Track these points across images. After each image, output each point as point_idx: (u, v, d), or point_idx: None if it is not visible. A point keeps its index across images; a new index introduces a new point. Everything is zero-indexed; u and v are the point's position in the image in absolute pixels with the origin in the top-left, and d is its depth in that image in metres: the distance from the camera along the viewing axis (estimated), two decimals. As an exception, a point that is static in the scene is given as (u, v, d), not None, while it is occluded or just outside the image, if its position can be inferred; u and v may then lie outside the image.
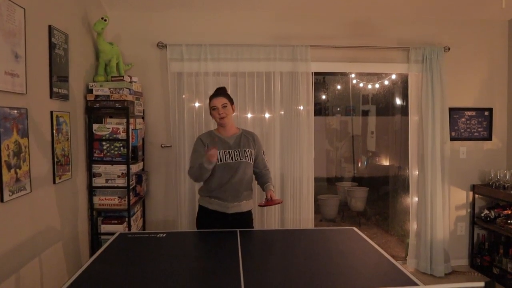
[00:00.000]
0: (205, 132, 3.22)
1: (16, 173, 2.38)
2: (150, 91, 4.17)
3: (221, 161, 2.95)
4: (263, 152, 3.17)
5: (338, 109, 8.14)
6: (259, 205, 2.99)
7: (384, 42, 4.41)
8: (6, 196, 2.27)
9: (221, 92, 3.05)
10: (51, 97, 2.85)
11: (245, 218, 3.04)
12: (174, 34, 4.16)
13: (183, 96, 4.13)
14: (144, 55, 4.14)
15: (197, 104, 4.17)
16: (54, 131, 2.88)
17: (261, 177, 3.15)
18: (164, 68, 4.15)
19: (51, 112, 2.86)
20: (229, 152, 2.97)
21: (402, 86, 5.64)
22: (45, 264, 2.78)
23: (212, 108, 2.99)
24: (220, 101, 2.97)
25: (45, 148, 2.79)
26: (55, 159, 2.90)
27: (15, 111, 2.39)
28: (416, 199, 4.56)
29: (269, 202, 2.92)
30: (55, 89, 2.90)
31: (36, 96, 2.65)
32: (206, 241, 2.85)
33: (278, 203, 2.94)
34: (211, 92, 4.09)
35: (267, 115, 4.27)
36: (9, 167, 2.31)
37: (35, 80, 2.64)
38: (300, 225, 4.27)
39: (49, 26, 2.85)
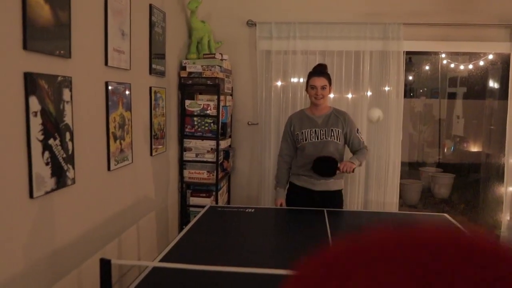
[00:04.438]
0: (296, 112, 3.23)
1: (120, 144, 2.54)
2: (238, 68, 4.23)
3: (306, 140, 2.95)
4: (357, 130, 3.07)
5: (421, 91, 7.79)
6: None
7: (484, 19, 4.10)
8: (112, 165, 2.44)
9: (323, 71, 3.00)
10: (150, 73, 2.99)
11: (333, 197, 3.02)
12: (263, 12, 4.16)
13: (271, 75, 4.15)
14: (234, 33, 4.20)
15: (284, 83, 4.17)
16: (152, 106, 3.03)
17: (356, 152, 3.05)
18: (252, 46, 4.18)
19: (150, 88, 3.00)
20: (315, 131, 2.95)
21: (501, 67, 5.25)
22: (142, 230, 2.96)
23: (311, 87, 2.96)
24: (321, 81, 2.93)
25: (144, 121, 2.95)
26: (153, 133, 3.06)
27: (121, 86, 2.53)
28: (511, 189, 4.28)
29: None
30: (154, 66, 3.03)
31: (137, 72, 2.79)
32: (294, 218, 2.89)
33: (345, 171, 2.86)
34: (299, 70, 4.16)
35: (355, 96, 4.17)
36: (115, 138, 2.47)
37: (137, 56, 2.78)
38: (384, 208, 4.19)
39: (150, 5, 2.97)
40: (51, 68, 1.88)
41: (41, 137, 1.81)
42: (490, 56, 4.91)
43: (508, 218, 4.29)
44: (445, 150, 7.63)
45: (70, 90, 2.01)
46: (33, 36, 1.74)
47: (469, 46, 4.28)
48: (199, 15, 3.89)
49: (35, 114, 1.77)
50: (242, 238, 2.41)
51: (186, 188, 3.78)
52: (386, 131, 4.13)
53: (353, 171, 2.89)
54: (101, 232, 2.38)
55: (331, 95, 4.08)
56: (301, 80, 4.15)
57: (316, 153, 2.94)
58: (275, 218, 2.96)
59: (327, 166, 2.87)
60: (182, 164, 3.69)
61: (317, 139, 2.94)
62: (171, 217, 3.61)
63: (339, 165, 2.86)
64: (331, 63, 4.13)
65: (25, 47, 1.70)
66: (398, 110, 4.17)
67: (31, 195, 1.75)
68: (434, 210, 6.46)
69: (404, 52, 4.12)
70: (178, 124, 3.65)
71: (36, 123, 1.77)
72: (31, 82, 1.73)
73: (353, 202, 4.21)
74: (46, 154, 1.84)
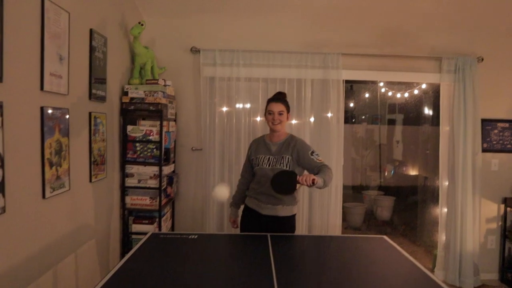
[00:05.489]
0: (258, 137, 3.25)
1: (57, 170, 2.46)
2: (182, 94, 4.24)
3: (258, 165, 3.00)
4: (312, 152, 2.94)
5: (363, 117, 8.10)
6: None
7: (416, 51, 4.38)
8: (47, 193, 2.35)
9: (280, 98, 3.06)
10: (90, 98, 2.95)
11: (282, 222, 3.01)
12: (207, 40, 4.23)
13: (215, 100, 4.19)
14: (178, 60, 4.22)
15: (228, 109, 4.22)
16: (92, 131, 2.97)
17: (318, 172, 2.86)
18: (196, 72, 4.22)
19: (90, 113, 2.95)
20: (268, 158, 2.99)
21: (433, 96, 5.59)
22: (80, 259, 2.86)
23: (268, 112, 3.01)
24: (277, 107, 2.98)
25: (83, 147, 2.88)
26: (92, 159, 2.99)
27: (58, 111, 2.47)
28: (445, 210, 4.50)
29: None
30: (94, 91, 2.99)
31: (76, 97, 2.74)
32: (238, 243, 2.89)
33: (305, 184, 2.66)
34: (243, 96, 4.23)
35: (297, 122, 4.29)
36: (51, 165, 2.39)
37: (76, 81, 2.74)
38: (328, 232, 4.27)
39: (90, 30, 2.95)
40: (-20, 93, 1.81)
41: (-32, 164, 1.73)
42: (424, 86, 5.22)
43: (444, 238, 4.50)
44: (386, 173, 7.93)
45: (1, 115, 1.94)
46: (-38, 59, 1.68)
47: (404, 76, 4.54)
48: (142, 40, 3.90)
49: (-38, 140, 1.69)
50: (185, 265, 2.37)
51: (128, 215, 3.69)
52: (328, 156, 4.24)
53: (313, 183, 2.64)
54: (35, 263, 2.28)
55: (293, 121, 4.19)
56: (246, 106, 4.22)
57: (265, 179, 2.94)
58: (219, 244, 2.94)
59: (285, 180, 2.71)
60: (124, 190, 3.61)
61: (268, 166, 2.97)
62: (112, 245, 3.50)
63: (298, 178, 2.70)
64: (274, 90, 4.22)
65: (-48, 70, 1.64)
66: (338, 136, 4.32)
67: (-45, 225, 1.66)
68: (376, 232, 6.66)
69: (343, 80, 4.30)
70: (120, 150, 3.59)
71: (-37, 149, 1.70)
72: (-42, 107, 1.67)
73: (298, 226, 4.25)
74: (-27, 181, 1.76)
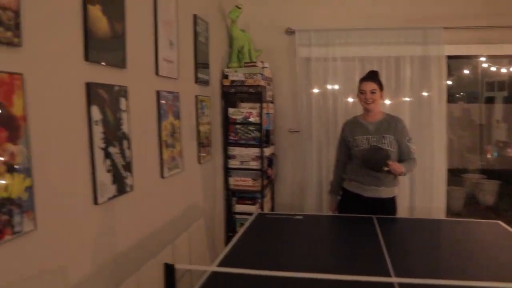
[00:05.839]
0: (350, 118, 3.19)
1: (172, 152, 2.58)
2: (278, 76, 4.25)
3: (357, 147, 2.94)
4: (408, 139, 2.97)
5: (457, 95, 7.61)
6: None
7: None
8: (165, 173, 2.48)
9: (372, 76, 2.99)
10: (196, 82, 3.04)
11: (384, 204, 2.96)
12: (302, 20, 4.18)
13: (311, 81, 4.15)
14: (273, 41, 4.23)
15: (324, 90, 4.16)
16: (198, 114, 3.07)
17: (404, 161, 2.96)
18: (292, 53, 4.20)
19: (196, 97, 3.05)
20: (367, 138, 2.93)
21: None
22: (192, 237, 2.99)
23: (360, 92, 2.96)
24: (369, 86, 2.92)
25: (192, 130, 2.99)
26: (199, 141, 3.10)
27: (171, 95, 2.59)
28: None
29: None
30: (199, 75, 3.08)
31: (184, 81, 2.85)
32: (344, 225, 2.86)
33: (391, 171, 2.82)
34: (339, 77, 4.14)
35: (395, 102, 4.11)
36: (167, 146, 2.51)
37: (184, 66, 2.84)
38: (430, 215, 4.09)
39: (194, 15, 3.03)
40: (109, 78, 1.94)
41: (103, 145, 1.86)
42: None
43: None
44: (488, 155, 7.41)
45: (126, 99, 2.06)
46: (93, 47, 1.80)
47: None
48: (238, 24, 3.94)
49: (97, 123, 1.82)
50: (294, 245, 2.40)
51: (232, 195, 3.80)
52: (429, 137, 4.04)
53: (399, 174, 2.84)
54: (157, 237, 2.42)
55: (391, 101, 4.06)
56: (341, 86, 4.13)
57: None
58: (325, 225, 2.94)
59: (377, 157, 2.81)
60: (227, 171, 3.72)
61: (369, 145, 2.91)
62: (217, 224, 3.63)
63: (389, 161, 2.79)
64: (371, 69, 4.09)
65: (86, 58, 1.76)
66: (441, 116, 4.09)
67: (95, 202, 1.81)
68: (479, 218, 6.26)
69: (445, 56, 4.04)
70: (222, 132, 3.69)
71: (98, 132, 1.83)
72: (92, 92, 1.79)
73: (399, 208, 4.13)
74: (108, 162, 1.89)
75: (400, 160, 2.95)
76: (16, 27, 1.39)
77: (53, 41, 1.58)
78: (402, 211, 4.09)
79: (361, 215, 2.90)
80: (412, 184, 4.13)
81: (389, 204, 3.01)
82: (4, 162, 1.35)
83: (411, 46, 4.05)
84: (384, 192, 2.96)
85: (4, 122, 1.35)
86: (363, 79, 2.99)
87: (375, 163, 2.81)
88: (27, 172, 1.44)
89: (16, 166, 1.39)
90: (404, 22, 4.08)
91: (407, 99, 4.10)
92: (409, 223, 2.97)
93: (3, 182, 1.35)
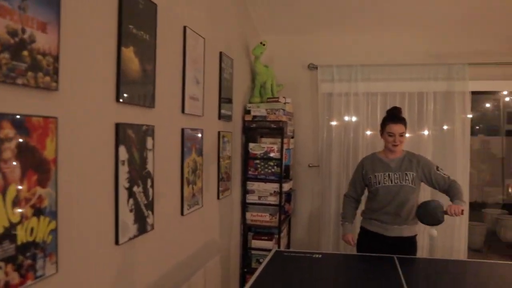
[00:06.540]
0: (368, 155, 3.18)
1: (192, 189, 2.58)
2: (299, 111, 4.26)
3: (379, 183, 2.91)
4: (437, 167, 2.94)
5: (477, 127, 7.54)
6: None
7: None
8: (185, 210, 2.48)
9: (400, 118, 2.97)
10: (219, 118, 3.06)
11: (406, 244, 2.93)
12: (325, 56, 4.21)
13: (332, 116, 4.15)
14: (295, 76, 4.26)
15: (345, 125, 4.15)
16: (220, 150, 3.08)
17: (449, 191, 2.87)
18: (314, 88, 4.22)
19: (219, 132, 3.06)
20: (389, 175, 2.91)
21: None
22: (208, 274, 2.96)
23: (388, 134, 2.93)
24: (399, 129, 2.90)
25: (213, 165, 2.99)
26: (220, 176, 3.10)
27: (195, 132, 2.60)
28: None
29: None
30: (222, 111, 3.10)
31: (209, 118, 2.87)
32: (364, 264, 2.81)
33: (454, 216, 2.70)
34: (361, 112, 4.12)
35: (417, 135, 4.08)
36: (188, 183, 2.51)
37: (209, 102, 2.86)
38: (452, 254, 4.00)
39: (220, 53, 3.07)
40: (137, 118, 1.96)
41: (127, 185, 1.87)
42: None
43: None
44: (510, 190, 7.26)
45: (153, 138, 2.08)
46: (125, 89, 1.83)
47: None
48: (262, 59, 3.98)
49: (123, 162, 1.83)
50: (313, 285, 2.35)
51: (248, 231, 3.77)
52: (453, 172, 3.97)
53: (462, 213, 2.70)
54: (174, 276, 2.40)
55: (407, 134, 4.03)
56: (363, 121, 4.12)
57: (390, 197, 2.90)
58: (344, 265, 2.89)
59: (433, 212, 2.71)
60: (245, 206, 3.70)
61: (391, 182, 2.89)
62: (233, 260, 3.59)
63: (445, 208, 2.70)
64: (394, 104, 4.07)
65: (117, 99, 1.79)
66: (464, 150, 4.06)
67: (116, 242, 1.80)
68: (501, 256, 6.10)
69: (470, 92, 4.02)
70: (242, 167, 3.69)
71: (124, 171, 1.84)
72: (121, 132, 1.81)
73: (418, 247, 4.04)
74: (131, 201, 1.90)
75: (442, 191, 2.91)
76: (54, 72, 1.42)
77: (88, 84, 1.61)
78: (422, 250, 4.00)
79: (381, 254, 2.85)
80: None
81: (410, 243, 2.98)
82: (32, 206, 1.36)
83: (435, 82, 4.05)
84: (406, 231, 2.94)
85: (36, 166, 1.37)
86: (391, 121, 2.94)
87: (432, 219, 2.74)
88: (53, 215, 1.45)
89: (42, 209, 1.40)
90: (428, 57, 4.08)
91: (429, 133, 4.06)
92: (431, 264, 2.90)
93: (29, 226, 1.35)
